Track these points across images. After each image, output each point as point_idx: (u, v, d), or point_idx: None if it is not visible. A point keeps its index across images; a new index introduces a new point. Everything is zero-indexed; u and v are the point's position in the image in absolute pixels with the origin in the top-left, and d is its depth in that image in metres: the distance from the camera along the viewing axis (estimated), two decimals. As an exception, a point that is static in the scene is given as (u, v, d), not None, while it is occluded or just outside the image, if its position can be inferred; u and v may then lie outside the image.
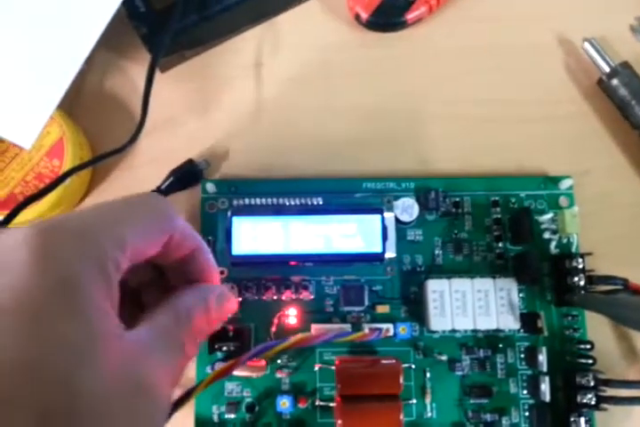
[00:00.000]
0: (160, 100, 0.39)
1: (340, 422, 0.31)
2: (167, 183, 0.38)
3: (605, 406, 0.32)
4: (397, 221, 0.35)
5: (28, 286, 0.16)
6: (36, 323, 0.16)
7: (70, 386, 0.15)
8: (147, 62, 0.38)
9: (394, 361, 0.32)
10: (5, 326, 0.15)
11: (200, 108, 0.40)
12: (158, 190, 0.38)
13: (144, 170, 0.39)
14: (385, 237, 0.34)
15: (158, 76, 0.39)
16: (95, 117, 0.40)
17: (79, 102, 0.40)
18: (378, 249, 0.34)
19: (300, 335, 0.28)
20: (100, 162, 0.36)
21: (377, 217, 0.34)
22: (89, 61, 0.36)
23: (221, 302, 0.24)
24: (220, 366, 0.32)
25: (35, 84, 0.34)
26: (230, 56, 0.41)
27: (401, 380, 0.32)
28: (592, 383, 0.33)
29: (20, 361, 0.15)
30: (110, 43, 0.39)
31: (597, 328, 0.35)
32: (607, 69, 0.38)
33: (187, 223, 0.23)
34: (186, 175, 0.38)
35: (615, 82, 0.38)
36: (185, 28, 0.39)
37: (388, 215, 0.34)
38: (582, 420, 0.32)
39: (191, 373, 0.34)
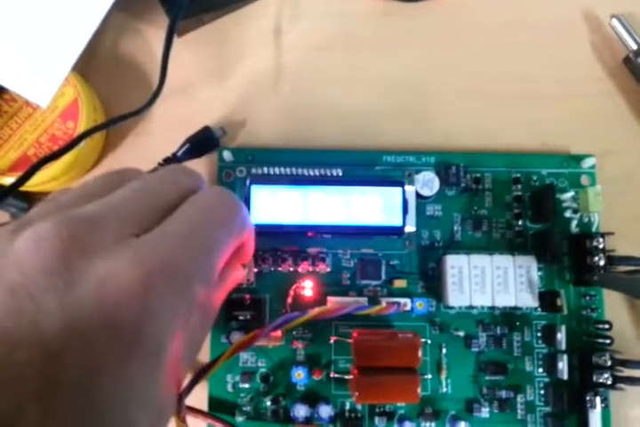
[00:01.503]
0: (176, 65, 0.38)
1: (357, 393, 0.31)
2: (183, 150, 0.37)
3: (621, 385, 0.32)
4: (417, 195, 0.35)
5: (123, 331, 0.16)
6: (109, 375, 0.16)
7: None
8: (163, 25, 0.36)
9: (412, 335, 0.32)
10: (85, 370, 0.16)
11: (217, 75, 0.39)
12: (174, 157, 0.37)
13: (158, 136, 0.38)
14: (405, 211, 0.33)
15: (174, 40, 0.37)
16: (109, 81, 0.39)
17: (93, 65, 0.39)
18: (398, 222, 0.33)
19: (320, 308, 0.28)
20: (115, 124, 0.35)
21: (398, 190, 0.33)
22: (104, 23, 0.35)
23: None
24: (236, 337, 0.32)
25: (52, 42, 0.33)
26: (249, 21, 0.40)
27: (419, 353, 0.31)
28: (609, 363, 0.32)
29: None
30: (126, 4, 0.38)
31: (615, 309, 0.35)
32: (635, 47, 0.37)
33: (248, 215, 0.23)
34: (202, 143, 0.37)
35: (642, 60, 0.37)
36: (205, -10, 0.38)
37: (409, 189, 0.34)
38: (598, 399, 0.32)
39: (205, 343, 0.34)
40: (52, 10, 0.33)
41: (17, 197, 0.36)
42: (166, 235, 0.19)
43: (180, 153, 0.37)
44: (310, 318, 0.27)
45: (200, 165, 0.37)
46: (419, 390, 0.31)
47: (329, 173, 0.35)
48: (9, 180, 0.34)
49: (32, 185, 0.34)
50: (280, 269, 0.35)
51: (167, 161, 0.37)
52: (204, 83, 0.39)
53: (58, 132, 0.35)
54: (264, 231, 0.33)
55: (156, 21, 0.39)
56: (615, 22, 0.38)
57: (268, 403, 0.33)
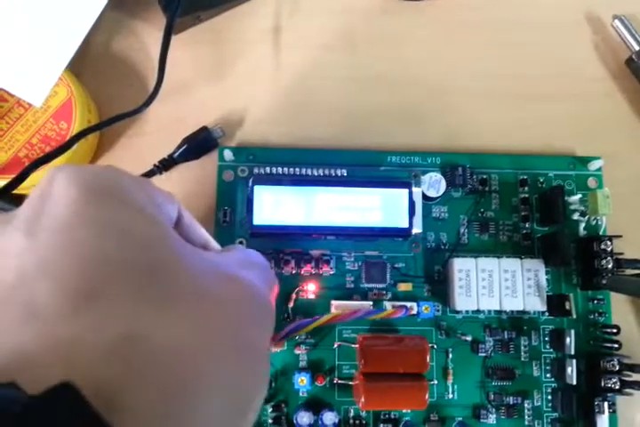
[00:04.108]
0: (171, 63, 0.36)
1: (363, 400, 0.30)
2: (180, 151, 0.36)
3: (629, 390, 0.32)
4: (423, 196, 0.34)
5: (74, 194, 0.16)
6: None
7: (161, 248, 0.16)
8: (158, 23, 0.36)
9: (420, 339, 0.31)
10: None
11: (214, 74, 0.38)
12: (170, 158, 0.36)
13: (154, 136, 0.37)
14: (412, 213, 0.32)
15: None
16: (103, 80, 0.38)
17: (87, 64, 0.38)
18: (404, 224, 0.32)
19: (332, 313, 0.27)
20: (111, 125, 0.34)
21: (405, 191, 0.33)
22: (98, 21, 0.33)
23: None
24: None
25: (46, 39, 0.32)
26: (248, 19, 0.39)
27: (427, 358, 0.31)
28: (617, 368, 0.32)
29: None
30: (121, 1, 0.37)
31: (622, 313, 0.35)
32: (637, 48, 0.37)
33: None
34: (200, 143, 0.36)
35: (646, 61, 0.37)
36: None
37: (416, 190, 0.33)
38: (605, 404, 0.32)
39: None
40: (46, 7, 0.32)
41: (5, 200, 0.34)
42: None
43: (176, 154, 0.36)
44: (322, 324, 0.26)
45: (197, 167, 0.36)
46: (426, 396, 0.30)
47: (333, 174, 0.34)
48: (-1, 182, 0.33)
49: (23, 188, 0.33)
50: (282, 271, 0.34)
51: (163, 162, 0.36)
52: (200, 82, 0.38)
53: (50, 133, 0.34)
54: (266, 232, 0.32)
55: (150, 19, 0.38)
56: (617, 23, 0.38)
57: (270, 410, 0.32)
